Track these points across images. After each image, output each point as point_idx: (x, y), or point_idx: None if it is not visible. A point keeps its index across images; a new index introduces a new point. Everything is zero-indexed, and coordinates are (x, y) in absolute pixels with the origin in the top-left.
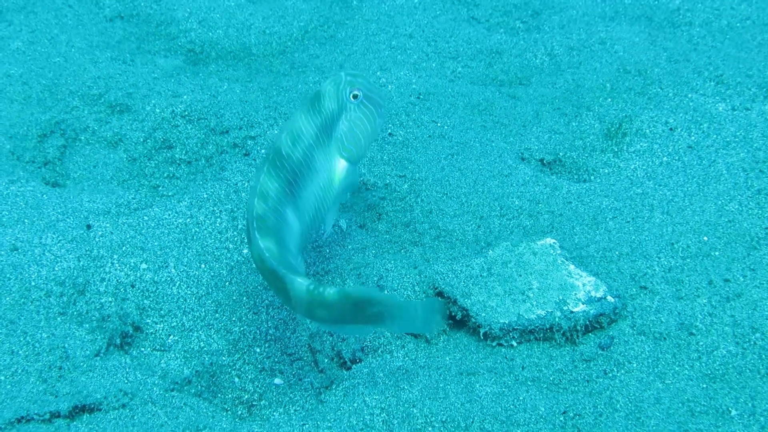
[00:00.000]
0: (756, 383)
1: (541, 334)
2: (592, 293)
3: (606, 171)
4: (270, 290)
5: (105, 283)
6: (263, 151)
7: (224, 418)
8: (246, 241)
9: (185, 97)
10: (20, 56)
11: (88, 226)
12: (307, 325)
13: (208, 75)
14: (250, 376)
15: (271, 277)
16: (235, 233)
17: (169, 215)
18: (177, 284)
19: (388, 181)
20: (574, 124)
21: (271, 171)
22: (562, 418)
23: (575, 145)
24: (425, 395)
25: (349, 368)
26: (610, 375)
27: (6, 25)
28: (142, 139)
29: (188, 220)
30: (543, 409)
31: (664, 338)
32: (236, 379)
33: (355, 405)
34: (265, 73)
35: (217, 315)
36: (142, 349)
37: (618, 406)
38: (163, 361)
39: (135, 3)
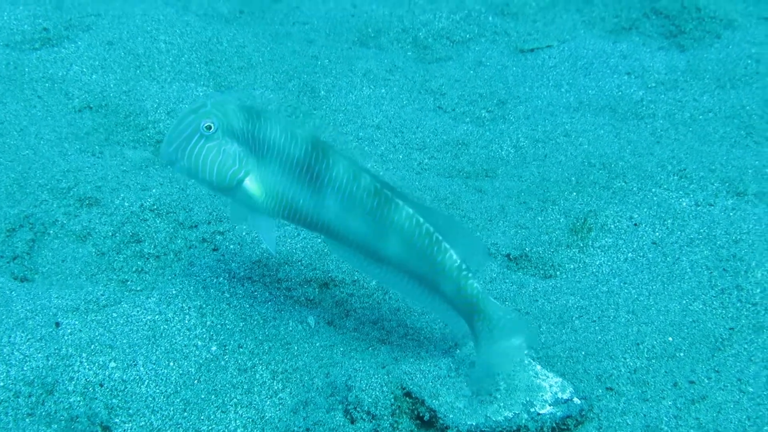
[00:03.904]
0: None
1: None
2: (559, 394)
3: (572, 267)
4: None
5: (73, 382)
6: (231, 246)
7: None
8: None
9: (154, 190)
10: None
11: (57, 324)
12: (275, 424)
13: None
14: None
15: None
16: (203, 330)
17: (137, 312)
18: (145, 383)
19: (355, 278)
20: (539, 218)
21: None
22: None
23: (541, 240)
24: None
25: None
26: None
27: None
28: (110, 233)
29: (157, 316)
30: None
31: None
32: None
33: None
34: None
35: (185, 414)
36: None
37: None
38: None
39: (104, 94)
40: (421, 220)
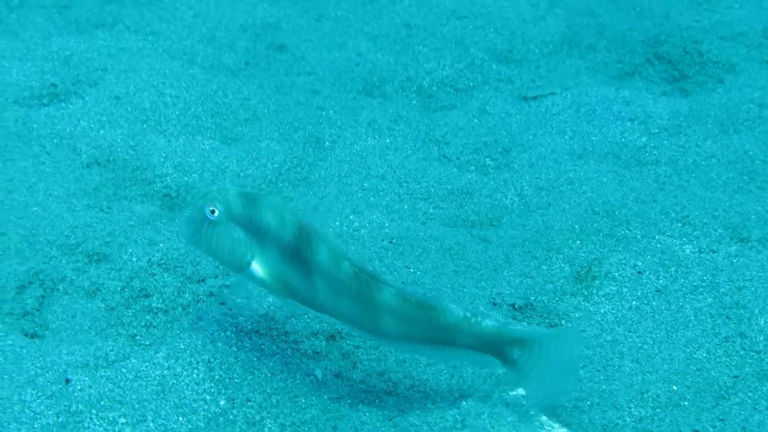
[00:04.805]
0: None
1: None
2: None
3: (576, 315)
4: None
5: None
6: (239, 300)
7: None
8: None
9: (161, 245)
10: None
11: (67, 381)
12: None
13: None
14: None
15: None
16: (212, 384)
17: (146, 367)
18: None
19: None
20: (544, 267)
21: None
22: None
23: (546, 288)
24: None
25: None
26: None
27: None
28: (119, 288)
29: (166, 371)
30: None
31: None
32: None
33: None
34: None
35: None
36: None
37: None
38: None
39: (112, 148)
40: (408, 294)
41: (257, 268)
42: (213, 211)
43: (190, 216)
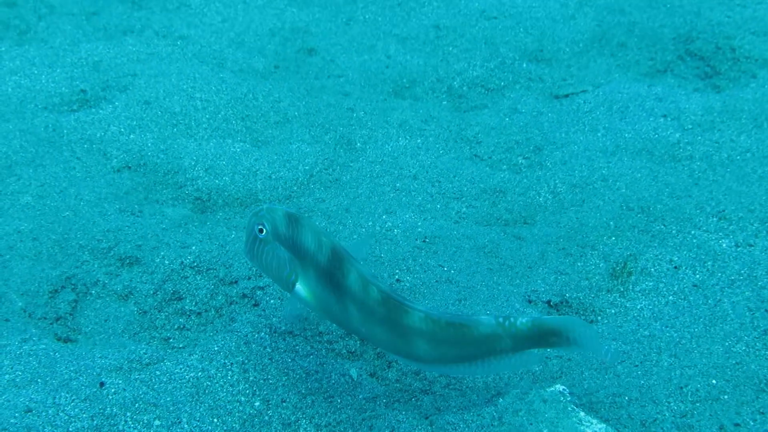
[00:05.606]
0: None
1: None
2: None
3: (613, 311)
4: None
5: None
6: (272, 301)
7: None
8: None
9: (194, 247)
10: (30, 211)
11: (101, 384)
12: None
13: (216, 223)
14: None
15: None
16: (246, 385)
17: (180, 369)
18: None
19: None
20: (579, 264)
21: None
22: None
23: (581, 285)
24: None
25: None
26: None
27: (15, 179)
28: (152, 292)
29: (200, 373)
30: None
31: None
32: None
33: None
34: None
35: None
36: None
37: None
38: None
39: (142, 153)
40: (436, 316)
41: (301, 288)
42: (261, 230)
43: (246, 233)
